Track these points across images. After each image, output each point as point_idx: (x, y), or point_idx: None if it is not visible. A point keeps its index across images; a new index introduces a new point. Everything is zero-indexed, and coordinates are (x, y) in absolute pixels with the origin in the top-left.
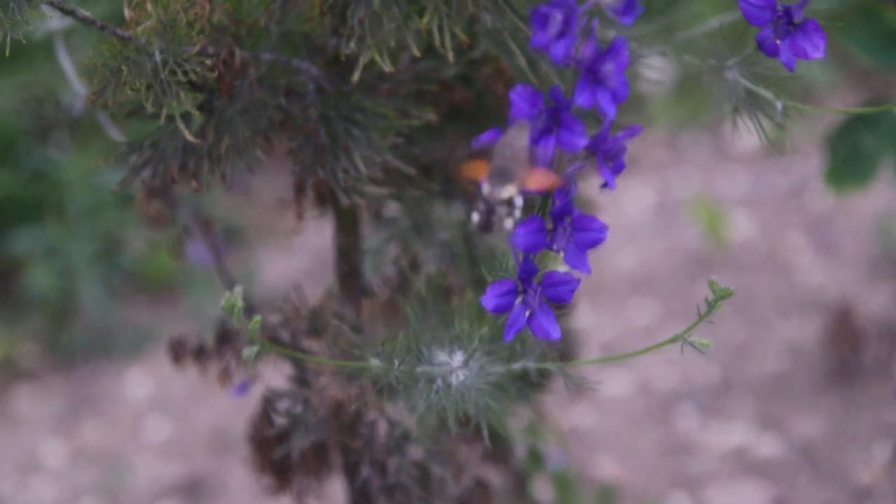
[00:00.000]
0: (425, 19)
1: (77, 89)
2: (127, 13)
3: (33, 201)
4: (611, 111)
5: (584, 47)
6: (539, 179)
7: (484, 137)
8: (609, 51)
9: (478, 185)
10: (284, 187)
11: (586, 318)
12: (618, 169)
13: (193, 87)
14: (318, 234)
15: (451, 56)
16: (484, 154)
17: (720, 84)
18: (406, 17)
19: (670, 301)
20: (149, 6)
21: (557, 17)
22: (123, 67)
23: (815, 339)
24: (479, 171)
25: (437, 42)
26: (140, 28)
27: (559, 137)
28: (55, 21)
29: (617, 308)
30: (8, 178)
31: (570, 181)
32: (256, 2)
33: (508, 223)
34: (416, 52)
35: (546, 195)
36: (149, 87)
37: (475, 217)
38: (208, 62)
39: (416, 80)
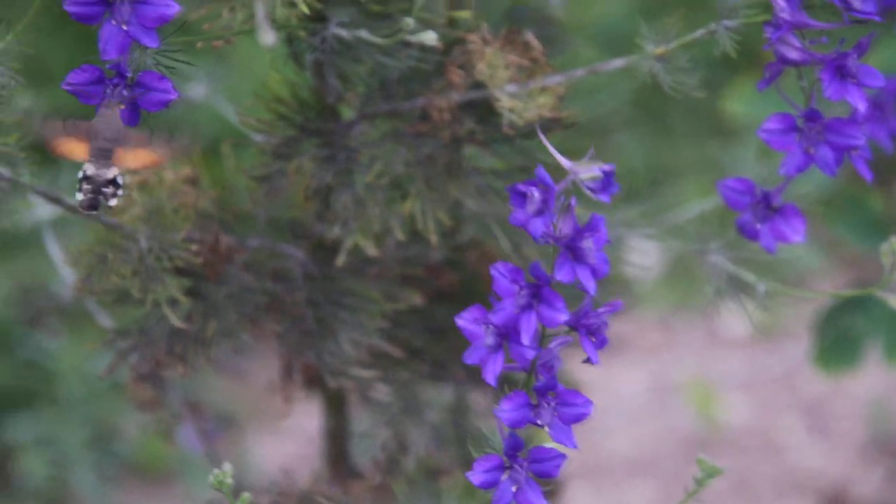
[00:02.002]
0: (409, 204)
1: (66, 277)
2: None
3: (25, 389)
4: (591, 287)
5: (562, 224)
6: (141, 157)
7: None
8: (587, 227)
9: (81, 166)
10: (276, 371)
11: (584, 500)
12: (601, 344)
13: (180, 272)
14: (311, 417)
15: (434, 240)
16: (80, 134)
17: (704, 268)
18: (390, 202)
19: (668, 483)
20: (135, 193)
21: (535, 195)
22: (109, 254)
23: None
24: (78, 152)
25: (421, 227)
26: (126, 215)
27: (540, 313)
28: (44, 209)
29: (615, 490)
30: (1, 367)
31: (554, 357)
32: (242, 189)
33: (113, 202)
34: (400, 236)
35: (530, 371)
36: (135, 273)
37: (79, 197)
38: (194, 248)
39: (402, 265)
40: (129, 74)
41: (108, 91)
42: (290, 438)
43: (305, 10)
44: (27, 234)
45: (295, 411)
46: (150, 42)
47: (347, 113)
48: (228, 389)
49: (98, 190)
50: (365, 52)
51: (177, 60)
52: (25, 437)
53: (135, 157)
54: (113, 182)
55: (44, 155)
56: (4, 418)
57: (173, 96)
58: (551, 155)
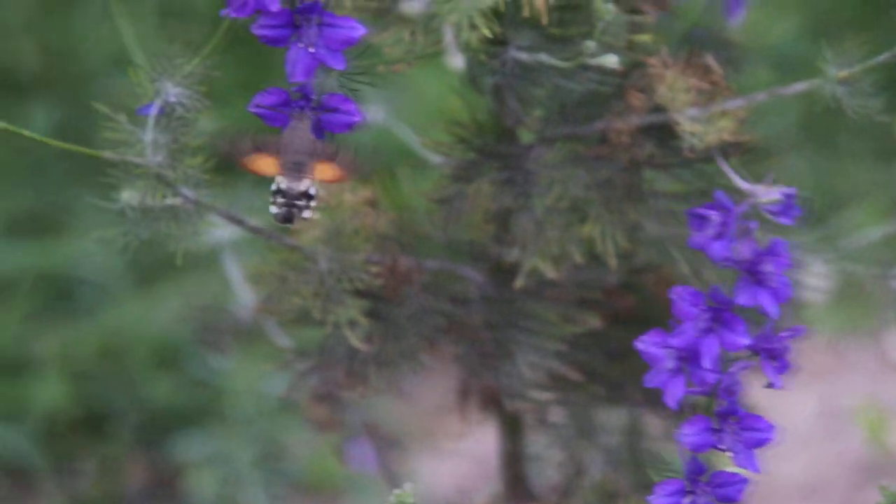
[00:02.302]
0: (587, 227)
1: (243, 297)
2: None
3: (196, 408)
4: (773, 311)
5: (742, 248)
6: (328, 171)
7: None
8: (769, 251)
9: (273, 180)
10: (443, 392)
11: None
12: (783, 368)
13: (359, 294)
14: (478, 441)
15: (613, 263)
16: (270, 149)
17: (883, 292)
18: (568, 225)
19: None
20: (315, 215)
21: (715, 218)
22: (290, 275)
23: None
24: (269, 167)
25: (600, 249)
26: (307, 237)
27: (721, 337)
28: (224, 230)
29: None
30: (172, 386)
31: (735, 381)
32: (421, 211)
33: (307, 214)
34: (579, 259)
35: (711, 395)
36: (315, 294)
37: (274, 210)
38: (374, 270)
39: (580, 288)
40: (315, 97)
41: (294, 114)
42: (456, 461)
43: (488, 33)
44: (201, 254)
45: (459, 434)
46: (337, 64)
47: (526, 136)
48: (395, 410)
49: (292, 203)
50: (545, 75)
51: (360, 83)
52: (196, 455)
53: (322, 171)
54: (306, 194)
55: (225, 176)
56: (175, 436)
57: (358, 119)
58: (730, 178)
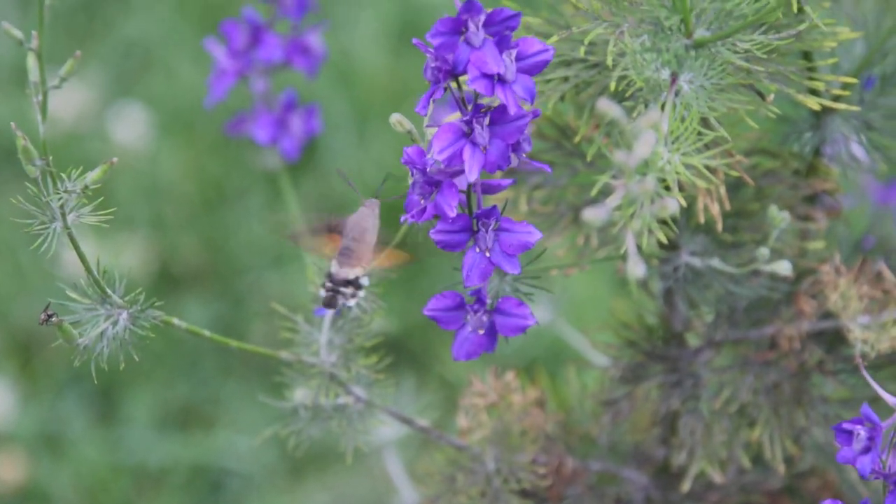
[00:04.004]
0: (756, 432)
1: (406, 496)
2: (462, 422)
3: None
4: None
5: (891, 461)
6: (384, 260)
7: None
8: None
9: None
10: None
11: None
12: None
13: (524, 494)
14: None
15: (781, 469)
16: (333, 230)
17: None
18: (736, 429)
19: None
20: (484, 416)
21: (861, 433)
22: (458, 475)
23: None
24: (327, 248)
25: (768, 454)
26: (475, 437)
27: None
28: (388, 429)
29: None
30: None
31: None
32: (586, 412)
33: (351, 303)
34: (746, 464)
35: None
36: (482, 494)
37: (320, 294)
38: (541, 471)
39: (743, 491)
40: (489, 301)
41: (469, 317)
42: None
43: (663, 239)
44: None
45: None
46: (513, 269)
47: (694, 340)
48: None
49: (336, 289)
50: (715, 279)
51: (533, 287)
52: None
53: (379, 258)
54: (353, 282)
55: (392, 376)
56: None
57: (531, 322)
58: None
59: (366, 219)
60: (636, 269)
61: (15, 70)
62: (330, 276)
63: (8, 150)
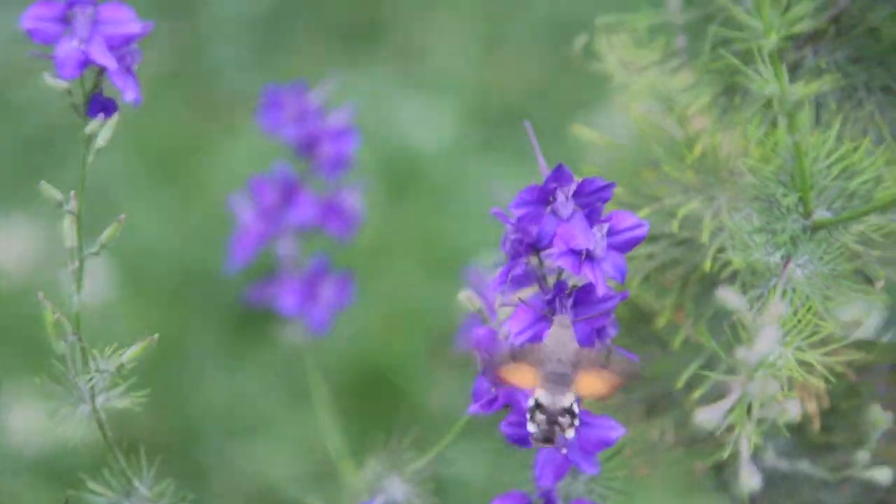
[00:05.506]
0: None
1: None
2: None
3: None
4: None
5: None
6: (593, 384)
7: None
8: None
9: (527, 394)
10: None
11: None
12: None
13: None
14: None
15: None
16: (525, 358)
17: None
18: None
19: None
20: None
21: None
22: None
23: None
24: (527, 379)
25: None
26: None
27: None
28: None
29: None
30: None
31: None
32: None
33: (570, 433)
34: None
35: None
36: None
37: (533, 429)
38: None
39: None
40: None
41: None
42: None
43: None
44: None
45: None
46: (591, 469)
47: None
48: None
49: (553, 420)
50: (804, 485)
51: (610, 488)
52: None
53: (587, 384)
54: (569, 411)
55: None
56: None
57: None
58: None
59: (571, 339)
60: (750, 479)
61: None
62: (541, 407)
63: None
